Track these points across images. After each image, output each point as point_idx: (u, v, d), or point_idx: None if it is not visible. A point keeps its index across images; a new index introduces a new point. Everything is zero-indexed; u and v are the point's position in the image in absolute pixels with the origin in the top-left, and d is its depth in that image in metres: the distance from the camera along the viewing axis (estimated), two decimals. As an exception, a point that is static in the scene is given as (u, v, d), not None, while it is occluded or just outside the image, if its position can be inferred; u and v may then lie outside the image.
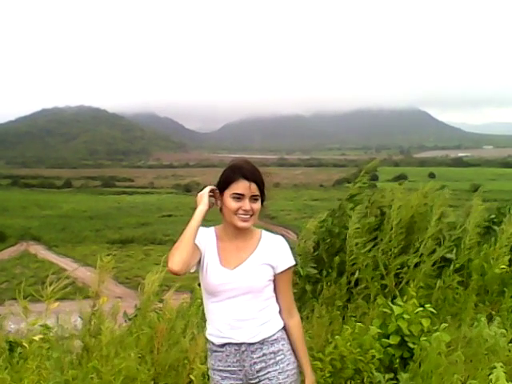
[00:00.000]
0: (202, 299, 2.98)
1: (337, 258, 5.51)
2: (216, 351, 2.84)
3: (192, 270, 2.78)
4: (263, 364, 2.77)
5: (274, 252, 2.80)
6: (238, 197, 2.70)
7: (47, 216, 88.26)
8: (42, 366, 3.46)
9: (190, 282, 4.86)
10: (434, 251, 5.56)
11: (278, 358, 2.78)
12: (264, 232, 2.87)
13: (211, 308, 2.83)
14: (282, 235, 2.93)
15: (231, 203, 2.71)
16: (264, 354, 2.77)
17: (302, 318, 3.03)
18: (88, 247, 60.58)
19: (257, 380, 2.79)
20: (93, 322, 3.97)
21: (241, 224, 2.73)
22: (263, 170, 2.80)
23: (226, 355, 2.80)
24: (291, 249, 2.89)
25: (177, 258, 2.60)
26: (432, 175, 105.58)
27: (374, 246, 5.55)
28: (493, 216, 6.60)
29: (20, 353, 3.84)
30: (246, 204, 2.70)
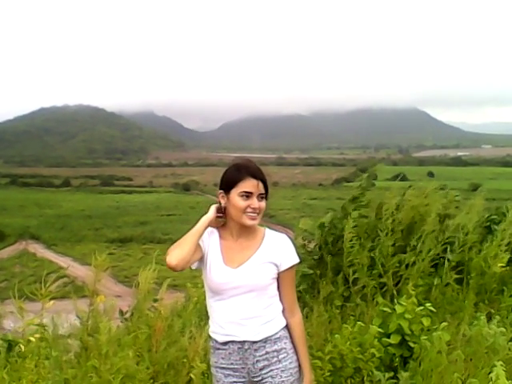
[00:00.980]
0: (197, 297, 2.98)
1: (335, 258, 5.52)
2: (219, 349, 2.84)
3: (193, 267, 2.79)
4: (266, 362, 2.78)
5: (278, 250, 2.81)
6: (247, 195, 2.72)
7: (46, 215, 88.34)
8: (41, 365, 3.46)
9: (183, 281, 4.87)
10: (432, 250, 5.56)
11: (280, 357, 2.79)
12: (268, 230, 2.89)
13: (215, 306, 2.83)
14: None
15: (240, 202, 2.72)
16: (267, 353, 2.78)
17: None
18: (87, 246, 60.54)
19: (260, 378, 2.80)
20: (90, 321, 3.97)
21: (250, 222, 2.74)
22: (263, 169, 2.82)
23: (229, 353, 2.81)
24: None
25: (175, 253, 2.63)
26: (431, 174, 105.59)
27: (372, 246, 5.55)
28: (494, 216, 6.60)
29: (19, 352, 3.84)
30: (255, 202, 2.73)
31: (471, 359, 4.11)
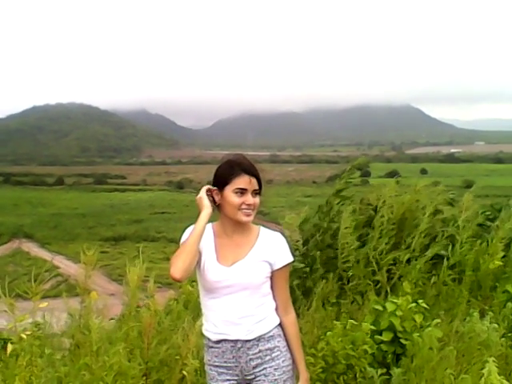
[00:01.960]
0: (187, 295, 2.97)
1: (326, 254, 5.52)
2: (212, 347, 2.84)
3: None
4: (259, 360, 2.78)
5: (272, 248, 2.80)
6: (241, 191, 2.71)
7: (39, 214, 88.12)
8: (33, 363, 3.46)
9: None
10: (426, 247, 5.58)
11: (273, 355, 2.80)
12: (262, 228, 2.88)
13: (209, 304, 2.83)
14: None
15: (234, 198, 2.71)
16: (260, 351, 2.78)
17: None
18: (80, 245, 59.98)
19: (253, 376, 2.80)
20: (82, 319, 3.96)
21: (245, 218, 2.74)
22: (256, 166, 2.80)
23: (223, 351, 2.81)
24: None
25: (179, 266, 2.60)
26: (424, 171, 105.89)
27: (365, 243, 5.56)
28: (488, 213, 6.62)
29: (12, 350, 3.83)
30: (249, 198, 2.72)
31: (464, 355, 4.13)
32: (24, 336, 3.59)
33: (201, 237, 2.69)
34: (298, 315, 3.16)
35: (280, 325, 2.86)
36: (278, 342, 2.82)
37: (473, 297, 5.47)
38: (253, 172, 2.74)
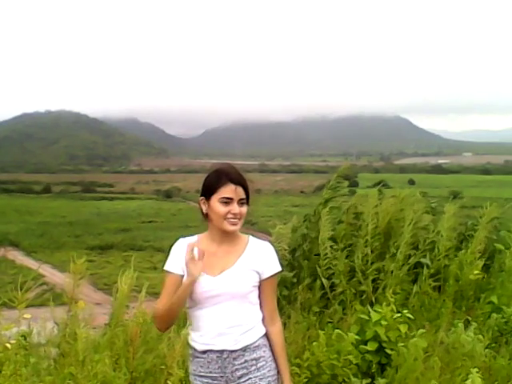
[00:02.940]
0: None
1: (311, 263, 5.53)
2: (198, 357, 2.83)
3: None
4: (245, 370, 2.77)
5: (261, 258, 2.81)
6: (227, 201, 2.71)
7: (26, 221, 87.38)
8: (18, 373, 3.43)
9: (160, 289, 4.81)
10: (410, 256, 5.61)
11: (259, 365, 2.79)
12: (251, 238, 2.89)
13: (196, 315, 2.83)
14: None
15: (220, 208, 2.71)
16: (246, 361, 2.78)
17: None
18: (67, 253, 59.78)
19: None
20: (68, 328, 3.94)
21: (231, 228, 2.74)
22: (245, 175, 2.81)
23: (208, 362, 2.80)
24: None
25: (164, 325, 2.81)
26: (411, 182, 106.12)
27: (349, 252, 5.58)
28: (470, 222, 6.67)
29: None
30: (235, 208, 2.72)
31: (448, 366, 4.15)
32: (9, 345, 3.57)
33: (184, 302, 2.74)
34: (283, 325, 3.17)
35: (266, 334, 2.86)
36: (264, 351, 2.82)
37: (456, 307, 5.50)
38: (239, 181, 2.75)
